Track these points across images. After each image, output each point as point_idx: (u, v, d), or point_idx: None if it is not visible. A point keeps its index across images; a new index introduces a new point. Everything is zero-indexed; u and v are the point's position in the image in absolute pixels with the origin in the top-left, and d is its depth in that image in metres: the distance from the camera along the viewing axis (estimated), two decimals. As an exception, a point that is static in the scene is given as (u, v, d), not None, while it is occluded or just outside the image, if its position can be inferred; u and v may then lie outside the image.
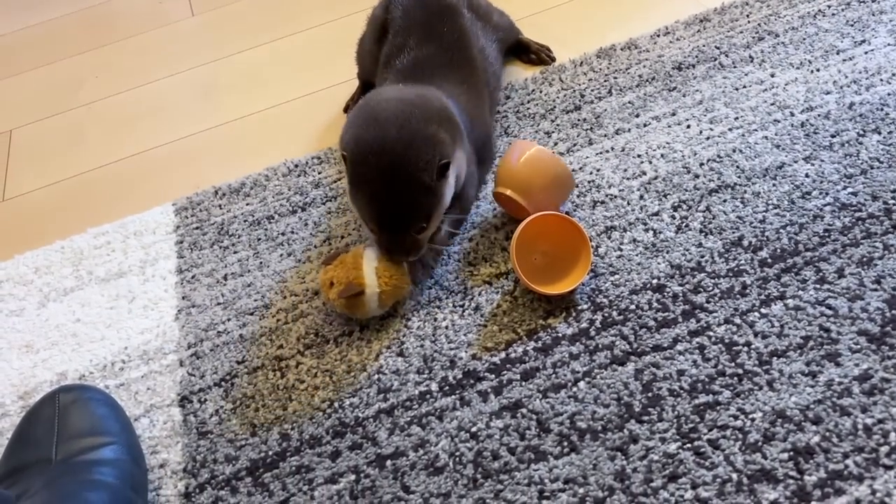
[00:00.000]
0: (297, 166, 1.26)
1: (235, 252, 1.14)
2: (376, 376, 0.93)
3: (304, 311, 1.03)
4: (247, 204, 1.22)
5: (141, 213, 1.24)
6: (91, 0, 1.95)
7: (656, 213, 1.05)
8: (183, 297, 1.09)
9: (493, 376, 0.90)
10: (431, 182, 0.92)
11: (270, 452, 0.88)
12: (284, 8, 1.74)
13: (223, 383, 0.97)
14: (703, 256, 0.98)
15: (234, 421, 0.92)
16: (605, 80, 1.28)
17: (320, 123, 1.37)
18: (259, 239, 1.15)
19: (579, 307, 0.95)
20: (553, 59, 1.37)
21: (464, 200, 1.05)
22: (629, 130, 1.18)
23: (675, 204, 1.05)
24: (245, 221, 1.19)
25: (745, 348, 0.87)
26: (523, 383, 0.89)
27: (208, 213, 1.21)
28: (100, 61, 1.70)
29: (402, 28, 1.19)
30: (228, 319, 1.04)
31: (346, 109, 1.40)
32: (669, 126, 1.17)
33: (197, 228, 1.19)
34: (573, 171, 1.13)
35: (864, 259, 0.92)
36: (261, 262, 1.11)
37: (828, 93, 1.16)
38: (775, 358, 0.85)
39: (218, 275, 1.11)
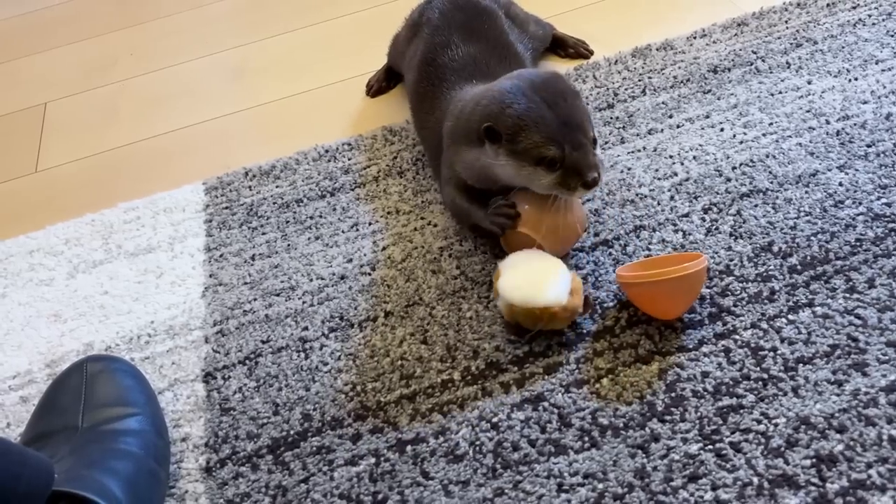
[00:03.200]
0: (327, 151, 1.27)
1: (264, 233, 1.15)
2: (399, 362, 0.94)
3: (329, 294, 1.04)
4: (276, 186, 1.22)
5: (171, 190, 1.25)
6: (128, -21, 1.97)
7: (686, 215, 1.04)
8: (210, 275, 1.10)
9: (515, 368, 0.90)
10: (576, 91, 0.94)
11: (292, 432, 0.89)
12: (319, -6, 1.75)
13: (247, 361, 0.97)
14: (731, 260, 0.97)
15: (256, 399, 0.93)
16: (640, 80, 1.28)
17: (351, 110, 1.38)
18: (287, 221, 1.16)
19: (605, 304, 0.95)
20: (591, 53, 1.37)
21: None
22: (662, 131, 1.18)
23: (706, 206, 1.05)
24: (274, 203, 1.20)
25: (771, 353, 0.86)
26: (546, 377, 0.89)
27: (238, 193, 1.22)
28: (134, 40, 1.71)
29: (441, 27, 1.18)
30: (255, 299, 1.05)
31: (368, 85, 1.41)
32: (703, 128, 1.17)
33: (226, 208, 1.20)
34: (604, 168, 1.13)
35: (896, 270, 0.92)
36: (288, 245, 1.12)
37: (865, 102, 1.15)
38: (801, 365, 0.85)
39: (245, 255, 1.12)
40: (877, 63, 1.21)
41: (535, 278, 0.91)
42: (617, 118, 1.22)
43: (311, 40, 1.60)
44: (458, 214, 1.07)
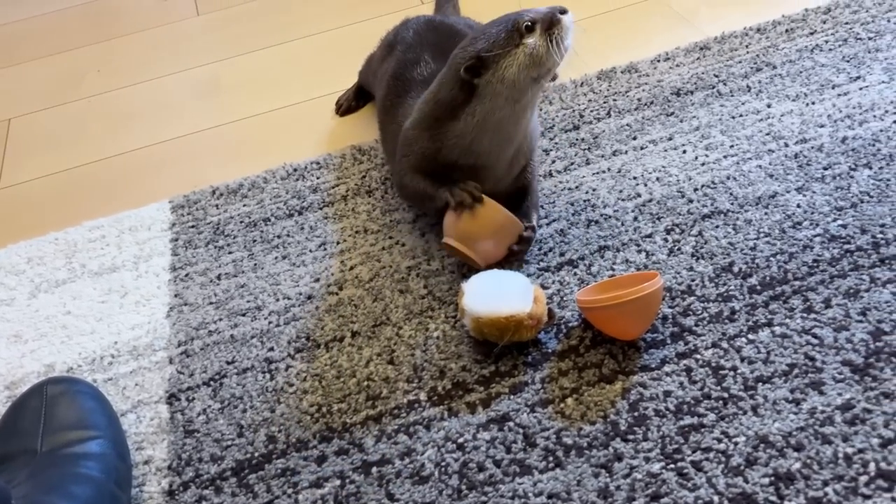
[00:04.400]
0: (295, 170, 1.27)
1: (230, 252, 1.14)
2: (366, 383, 0.94)
3: (296, 314, 1.04)
4: (244, 205, 1.22)
5: (137, 208, 1.24)
6: (96, -6, 1.96)
7: (649, 235, 1.06)
8: (175, 295, 1.09)
9: (482, 388, 0.91)
10: None
11: (256, 454, 0.88)
12: (290, 13, 1.76)
13: (212, 383, 0.97)
14: (693, 280, 0.99)
15: (221, 421, 0.92)
16: (605, 102, 1.30)
17: (321, 129, 1.38)
18: (254, 240, 1.16)
19: (570, 324, 0.96)
20: (555, 77, 1.38)
21: (535, 195, 1.11)
22: (626, 152, 1.20)
23: (669, 227, 1.07)
24: (241, 222, 1.19)
25: (732, 373, 0.88)
26: (512, 396, 0.89)
27: (205, 212, 1.22)
28: (102, 56, 1.70)
29: (414, 45, 1.21)
30: (220, 319, 1.05)
31: (338, 104, 1.42)
32: (666, 150, 1.19)
33: (193, 227, 1.19)
34: (569, 189, 1.15)
35: (851, 291, 0.94)
36: (255, 264, 1.12)
37: (822, 126, 1.18)
38: (760, 384, 0.86)
39: (211, 274, 1.11)
40: (833, 88, 1.24)
41: (497, 290, 0.93)
42: (582, 139, 1.23)
43: (282, 58, 1.60)
44: (415, 196, 1.07)
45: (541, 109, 1.31)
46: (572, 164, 1.20)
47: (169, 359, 1.00)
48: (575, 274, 1.03)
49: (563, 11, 0.97)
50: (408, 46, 1.22)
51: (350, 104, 1.41)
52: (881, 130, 1.15)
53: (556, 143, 1.24)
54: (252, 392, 0.95)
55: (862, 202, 1.05)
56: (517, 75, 0.95)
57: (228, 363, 0.99)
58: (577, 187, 1.15)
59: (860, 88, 1.23)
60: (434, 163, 1.02)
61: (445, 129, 1.00)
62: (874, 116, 1.17)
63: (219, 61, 1.62)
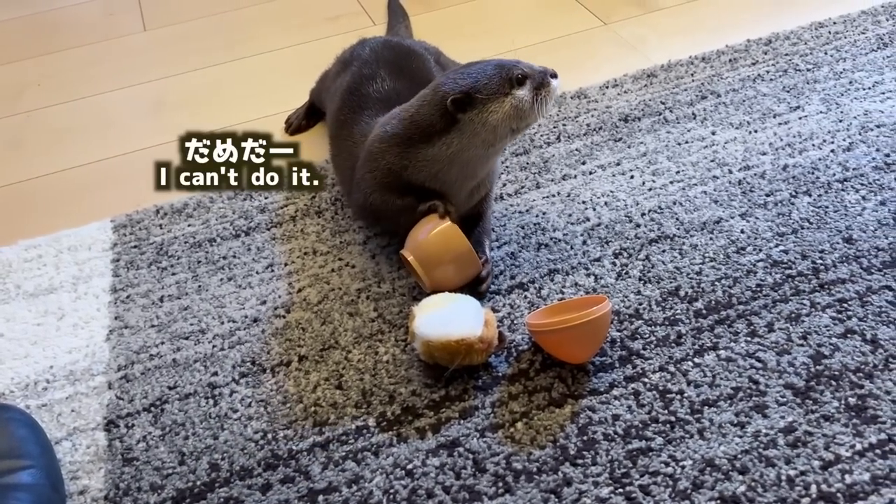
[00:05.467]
0: (243, 189, 1.25)
1: (174, 274, 1.11)
2: (313, 409, 0.92)
3: (241, 337, 1.01)
4: (189, 225, 1.19)
5: (77, 227, 1.20)
6: (37, 6, 1.91)
7: (598, 259, 1.07)
8: (116, 318, 1.05)
9: (431, 413, 0.90)
10: None
11: (198, 482, 0.85)
12: (239, 30, 1.74)
13: (153, 409, 0.94)
14: (641, 304, 1.00)
15: (161, 448, 0.89)
16: (555, 127, 1.31)
17: (270, 148, 1.36)
18: (199, 261, 1.13)
19: (520, 347, 0.96)
20: None
21: (487, 221, 1.11)
22: (575, 177, 1.21)
23: (617, 251, 1.08)
24: (186, 243, 1.16)
25: (679, 396, 0.89)
26: (461, 421, 0.89)
27: (148, 232, 1.19)
28: (43, 69, 1.66)
29: (370, 62, 1.20)
30: (162, 343, 1.01)
31: (288, 123, 1.40)
32: (614, 175, 1.21)
33: (135, 247, 1.16)
34: (520, 212, 1.15)
35: (793, 315, 0.96)
36: (199, 286, 1.09)
37: (764, 153, 1.21)
38: (706, 407, 0.87)
39: (154, 296, 1.08)
40: (774, 117, 1.28)
41: (448, 313, 0.93)
42: (533, 164, 1.24)
43: (231, 76, 1.58)
44: (379, 211, 1.06)
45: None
46: (523, 187, 1.20)
47: (108, 384, 0.97)
48: (525, 297, 1.03)
49: (554, 76, 1.00)
50: (364, 63, 1.21)
51: (300, 123, 1.39)
52: (819, 159, 1.19)
53: (506, 167, 1.24)
54: (195, 418, 0.92)
55: (802, 228, 1.08)
56: (499, 122, 0.96)
57: (170, 388, 0.96)
58: (527, 211, 1.16)
59: (800, 118, 1.27)
60: (399, 180, 1.02)
61: (416, 151, 1.00)
62: (813, 145, 1.21)
63: (165, 78, 1.59)
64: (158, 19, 1.81)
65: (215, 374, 0.97)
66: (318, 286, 1.07)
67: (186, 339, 1.02)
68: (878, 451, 0.81)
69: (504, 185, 1.21)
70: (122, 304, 1.07)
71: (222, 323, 1.03)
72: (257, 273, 1.10)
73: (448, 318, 0.92)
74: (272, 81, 1.55)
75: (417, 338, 0.91)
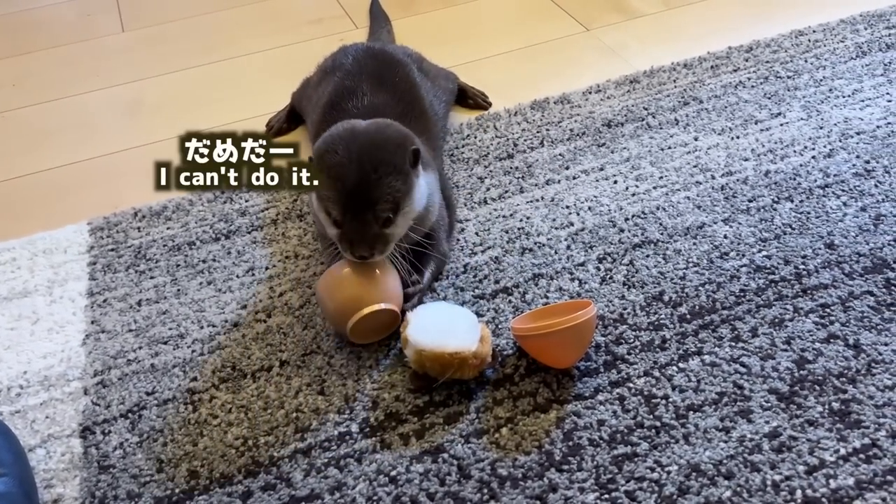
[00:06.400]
0: (223, 192, 1.23)
1: (152, 277, 1.09)
2: (294, 414, 0.90)
3: (221, 342, 0.99)
4: (167, 228, 1.17)
5: (52, 230, 1.18)
6: (13, 6, 1.88)
7: (582, 264, 1.07)
8: (92, 322, 1.03)
9: (415, 419, 0.89)
10: (402, 166, 0.92)
11: (177, 490, 0.83)
12: (219, 32, 1.72)
13: (130, 415, 0.92)
14: (625, 309, 1.00)
15: (139, 455, 0.87)
16: (538, 132, 1.31)
17: (251, 151, 1.35)
18: (178, 265, 1.11)
19: (505, 352, 0.95)
20: (489, 105, 1.39)
21: (439, 250, 1.03)
22: (559, 182, 1.21)
23: (601, 256, 1.08)
24: (164, 246, 1.14)
25: (664, 401, 0.89)
26: (446, 427, 0.88)
27: (126, 234, 1.16)
28: (19, 70, 1.63)
29: (352, 73, 1.19)
30: (140, 347, 0.99)
31: (269, 125, 1.39)
32: (597, 180, 1.20)
33: (112, 250, 1.14)
34: (504, 217, 1.15)
35: (776, 320, 0.96)
36: (178, 290, 1.07)
37: (746, 159, 1.22)
38: (692, 412, 0.87)
39: (132, 300, 1.06)
40: (756, 123, 1.29)
41: (445, 324, 0.91)
42: (516, 168, 1.24)
43: (211, 78, 1.56)
44: (323, 238, 1.04)
45: (475, 137, 1.31)
46: (507, 192, 1.20)
47: (84, 389, 0.95)
48: (510, 302, 1.02)
49: (356, 257, 0.93)
50: (346, 73, 1.20)
51: (281, 126, 1.38)
52: (801, 165, 1.19)
53: (490, 171, 1.24)
54: (173, 424, 0.90)
55: (785, 234, 1.08)
56: (320, 215, 0.96)
57: (148, 394, 0.94)
58: (511, 215, 1.16)
59: (781, 124, 1.28)
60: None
61: None
62: (794, 151, 1.22)
63: (143, 79, 1.57)
64: (137, 20, 1.78)
65: (195, 379, 0.95)
66: (300, 290, 1.05)
67: (165, 343, 1.00)
68: (861, 455, 0.81)
69: (488, 189, 1.20)
70: (98, 308, 1.05)
71: (202, 327, 1.01)
72: (238, 277, 1.08)
73: (444, 327, 0.90)
74: (253, 84, 1.53)
75: (410, 345, 0.89)
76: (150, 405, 0.92)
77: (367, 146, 0.92)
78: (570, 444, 0.85)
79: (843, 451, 0.82)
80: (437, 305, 0.97)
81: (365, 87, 1.15)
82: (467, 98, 1.40)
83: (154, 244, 1.15)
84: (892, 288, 0.99)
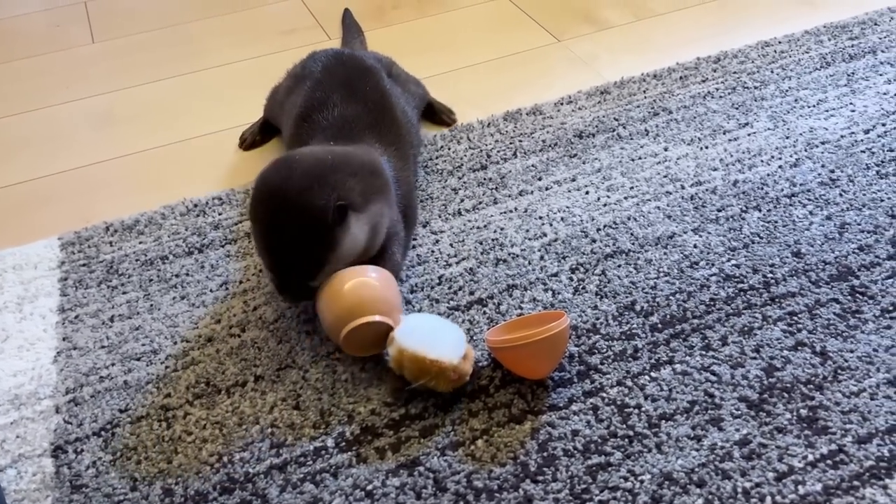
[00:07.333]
0: (196, 206, 1.22)
1: (124, 293, 1.09)
2: (269, 430, 0.90)
3: (195, 358, 0.99)
4: (140, 242, 1.17)
5: (22, 245, 1.16)
6: (-19, 16, 1.85)
7: (555, 275, 1.08)
8: (64, 339, 1.02)
9: (391, 432, 0.89)
10: (326, 225, 0.91)
11: (151, 509, 0.83)
12: (191, 43, 1.71)
13: (103, 433, 0.91)
14: (598, 319, 1.01)
15: (112, 474, 0.86)
16: (511, 143, 1.32)
17: (222, 163, 1.34)
18: (151, 280, 1.10)
19: (480, 364, 0.96)
20: (453, 122, 1.39)
21: (391, 262, 1.03)
22: (532, 192, 1.22)
23: (574, 266, 1.09)
24: (137, 261, 1.14)
25: (636, 410, 0.90)
26: (422, 440, 0.88)
27: (97, 249, 1.15)
28: (-14, 81, 1.61)
29: (322, 82, 1.19)
30: (113, 364, 0.99)
31: (242, 138, 1.38)
32: (570, 191, 1.22)
33: (84, 265, 1.13)
34: (478, 228, 1.16)
35: (746, 328, 0.98)
36: (151, 305, 1.07)
37: (715, 169, 1.24)
38: (664, 421, 0.88)
39: (104, 316, 1.05)
40: (724, 133, 1.31)
41: (433, 332, 0.92)
42: (490, 179, 1.25)
43: (184, 90, 1.55)
44: None
45: (449, 148, 1.32)
46: (480, 203, 1.21)
47: (55, 408, 0.94)
48: (484, 313, 1.03)
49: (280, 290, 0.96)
50: (316, 83, 1.20)
51: (255, 138, 1.37)
52: (768, 175, 1.22)
53: (464, 182, 1.25)
54: (147, 442, 0.89)
55: (753, 243, 1.10)
56: None
57: (121, 411, 0.93)
58: (485, 226, 1.16)
59: (748, 134, 1.30)
60: None
61: None
62: (762, 161, 1.25)
63: (114, 91, 1.56)
64: (107, 31, 1.77)
65: (168, 395, 0.95)
66: (274, 304, 1.05)
67: (138, 359, 0.99)
68: (829, 461, 0.83)
69: (462, 200, 1.21)
70: (70, 324, 1.04)
71: (175, 343, 1.01)
72: (211, 291, 1.08)
73: (431, 335, 0.91)
74: (225, 96, 1.53)
75: (394, 343, 0.90)
76: (123, 423, 0.92)
77: (282, 215, 0.91)
78: (545, 454, 0.86)
79: (810, 458, 0.84)
80: (431, 316, 0.98)
81: (335, 98, 1.15)
82: (434, 114, 1.40)
83: (126, 259, 1.14)
84: (857, 295, 1.01)
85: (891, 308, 0.99)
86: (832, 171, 1.22)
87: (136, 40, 1.73)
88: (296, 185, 0.92)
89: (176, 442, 0.89)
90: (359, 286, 0.94)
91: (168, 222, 1.20)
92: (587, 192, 1.21)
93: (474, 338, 0.99)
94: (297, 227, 0.91)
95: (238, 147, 1.37)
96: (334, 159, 0.97)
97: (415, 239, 1.15)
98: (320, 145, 1.07)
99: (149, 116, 1.48)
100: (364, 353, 0.96)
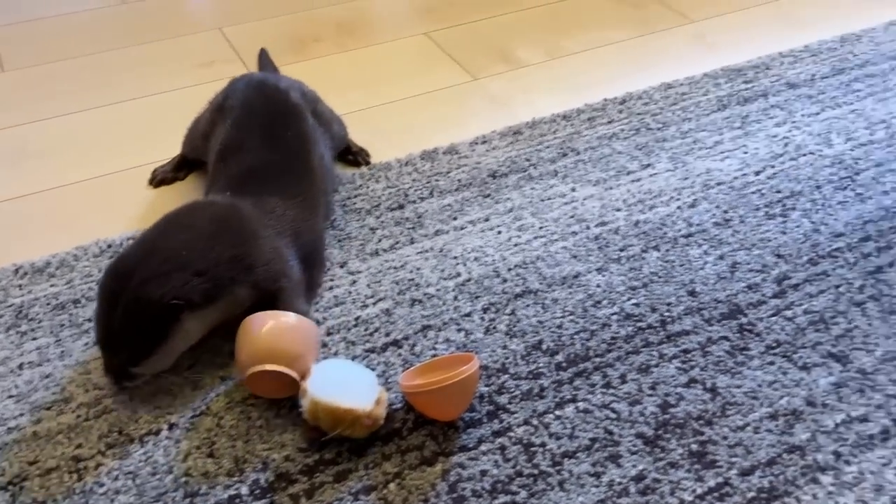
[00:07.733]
0: (110, 247, 1.22)
1: (34, 339, 1.07)
2: (183, 479, 0.91)
3: (108, 406, 0.99)
4: (51, 286, 1.15)
5: (-76, 290, 1.13)
6: None
7: (468, 315, 1.12)
8: (-31, 389, 1.00)
9: (305, 478, 0.91)
10: (158, 318, 0.93)
11: (61, 565, 0.83)
12: (107, 74, 1.69)
13: (10, 487, 0.90)
14: (507, 358, 1.06)
15: (20, 530, 0.86)
16: (428, 182, 1.36)
17: (138, 202, 1.34)
18: (62, 325, 1.09)
19: (394, 406, 0.99)
20: (368, 163, 1.42)
21: (287, 304, 1.04)
22: (447, 232, 1.26)
23: (486, 306, 1.13)
24: (48, 305, 1.12)
25: (541, 449, 0.94)
26: (336, 485, 0.90)
27: (6, 293, 1.13)
28: None
29: (241, 121, 1.20)
30: (21, 414, 0.97)
31: (153, 175, 1.37)
32: (483, 231, 1.27)
33: (-9, 311, 1.11)
34: (395, 268, 1.19)
35: (643, 366, 1.04)
36: (62, 351, 1.06)
37: (618, 210, 1.31)
38: (566, 458, 0.93)
39: (12, 363, 1.04)
40: (628, 174, 1.39)
41: (345, 380, 0.95)
42: (407, 219, 1.29)
43: (99, 123, 1.54)
44: None
45: (367, 187, 1.35)
46: (398, 242, 1.24)
47: (-41, 462, 0.92)
48: (399, 355, 1.06)
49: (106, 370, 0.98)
50: (235, 121, 1.21)
51: (166, 176, 1.37)
52: (667, 215, 1.29)
53: (382, 222, 1.28)
54: (57, 495, 0.89)
55: (652, 282, 1.17)
56: None
57: (30, 464, 0.92)
58: (402, 266, 1.20)
59: (650, 175, 1.38)
60: None
61: None
62: (661, 202, 1.32)
63: (25, 124, 1.53)
64: (18, 60, 1.73)
65: (80, 445, 0.94)
66: (189, 350, 1.06)
67: (48, 409, 0.98)
68: (716, 493, 0.90)
69: (380, 240, 1.24)
70: (-25, 373, 1.02)
71: (87, 391, 1.00)
72: (125, 336, 1.08)
73: (343, 384, 0.94)
74: (143, 130, 1.52)
75: (307, 395, 0.92)
76: (31, 476, 0.91)
77: (119, 298, 0.93)
78: (455, 495, 0.89)
79: (699, 491, 0.90)
80: (342, 362, 1.00)
81: (252, 143, 1.17)
82: (349, 153, 1.42)
83: (37, 303, 1.12)
84: (745, 333, 1.09)
85: (773, 345, 1.07)
86: (725, 212, 1.30)
87: (50, 69, 1.70)
88: (141, 273, 0.93)
89: (87, 494, 0.89)
90: (275, 330, 0.96)
91: (80, 264, 1.19)
92: (499, 232, 1.26)
93: (389, 380, 1.03)
94: (128, 314, 0.92)
95: (148, 184, 1.37)
96: (193, 252, 0.96)
97: (332, 280, 1.17)
98: (209, 201, 1.10)
99: (62, 151, 1.46)
100: (270, 396, 0.98)
